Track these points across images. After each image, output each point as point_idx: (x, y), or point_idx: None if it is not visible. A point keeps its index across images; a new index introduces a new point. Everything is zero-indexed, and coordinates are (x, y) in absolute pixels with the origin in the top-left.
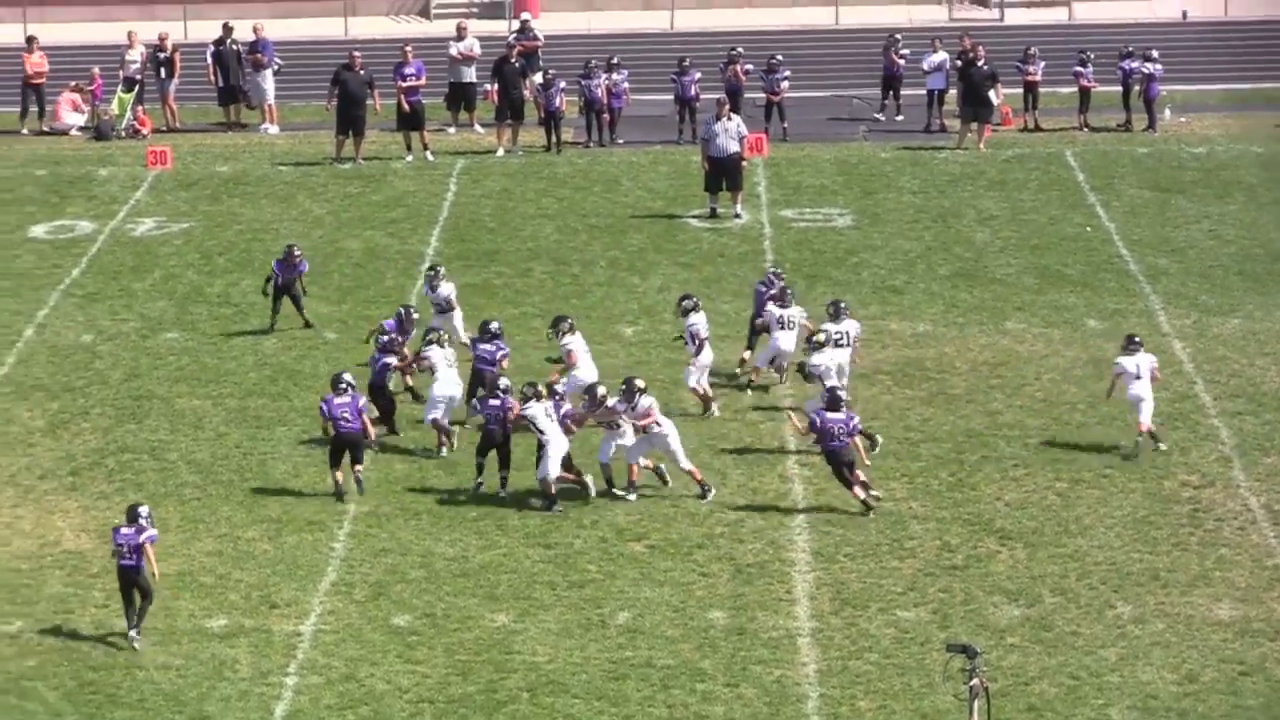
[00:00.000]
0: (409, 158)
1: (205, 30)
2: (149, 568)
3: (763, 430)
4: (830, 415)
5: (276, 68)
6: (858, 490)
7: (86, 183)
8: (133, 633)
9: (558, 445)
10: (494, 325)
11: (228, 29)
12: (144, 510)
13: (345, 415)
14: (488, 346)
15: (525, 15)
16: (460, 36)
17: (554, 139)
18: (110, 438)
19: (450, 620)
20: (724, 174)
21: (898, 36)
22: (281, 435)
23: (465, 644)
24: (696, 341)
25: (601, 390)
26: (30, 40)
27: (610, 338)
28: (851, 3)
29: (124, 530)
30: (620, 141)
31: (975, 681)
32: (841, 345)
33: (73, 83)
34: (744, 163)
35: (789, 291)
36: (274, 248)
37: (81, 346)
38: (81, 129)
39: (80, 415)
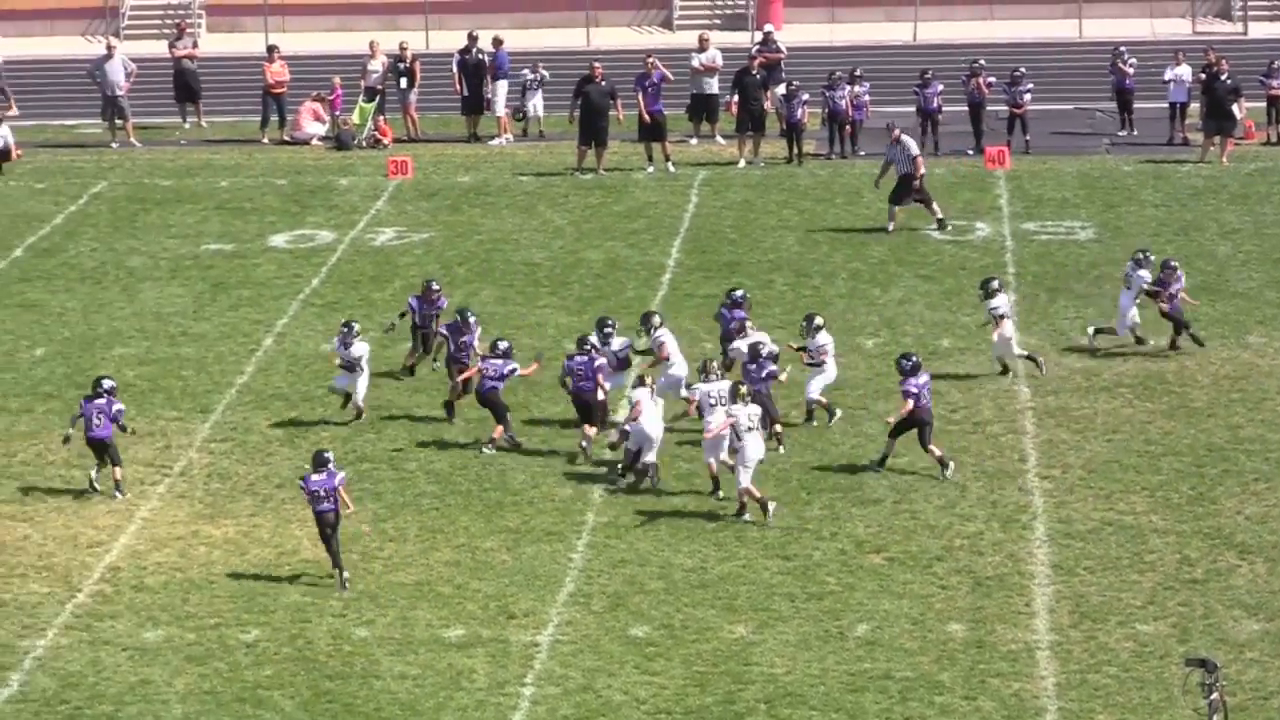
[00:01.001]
0: (650, 169)
1: (446, 40)
2: (344, 508)
3: (1003, 443)
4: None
5: (540, 80)
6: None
7: (327, 192)
8: (345, 575)
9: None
10: (502, 344)
11: (473, 38)
12: (329, 454)
13: None
14: (496, 361)
15: (768, 27)
16: (702, 48)
17: (796, 151)
18: (349, 447)
19: (688, 631)
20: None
21: (1123, 49)
22: (521, 447)
23: (703, 655)
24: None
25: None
26: (271, 50)
27: (851, 350)
28: (1095, 15)
29: (314, 478)
30: (862, 153)
31: (1214, 696)
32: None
33: (314, 92)
34: (915, 181)
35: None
36: (514, 258)
37: (320, 356)
38: (322, 139)
39: (319, 424)
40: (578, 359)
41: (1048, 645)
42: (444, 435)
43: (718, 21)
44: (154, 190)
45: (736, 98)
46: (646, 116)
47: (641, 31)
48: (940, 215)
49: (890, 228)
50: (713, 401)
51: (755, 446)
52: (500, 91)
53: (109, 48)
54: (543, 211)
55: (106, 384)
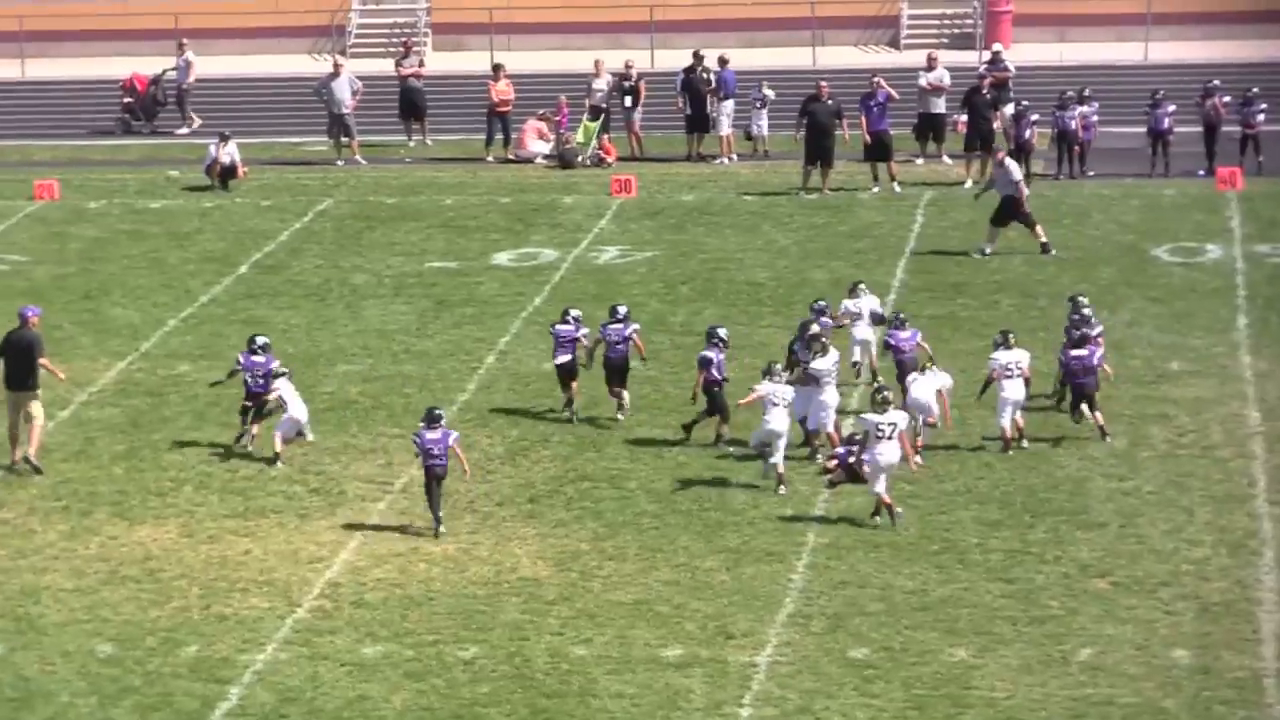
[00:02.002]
0: (876, 188)
1: (672, 59)
2: (461, 465)
3: (1232, 468)
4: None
5: (765, 99)
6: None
7: (551, 210)
8: (441, 529)
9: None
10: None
11: (698, 57)
12: (441, 411)
13: None
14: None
15: (997, 46)
16: (930, 67)
17: (1024, 171)
18: (569, 465)
19: (909, 654)
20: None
21: None
22: (742, 465)
23: (923, 678)
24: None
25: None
26: (496, 68)
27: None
28: None
29: (429, 435)
30: (1090, 174)
31: None
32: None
33: (538, 111)
34: (1019, 204)
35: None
36: (738, 277)
37: (542, 374)
38: (546, 157)
39: (540, 442)
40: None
41: (1275, 673)
42: (664, 454)
43: (945, 40)
44: (379, 208)
45: (965, 117)
46: (868, 137)
47: (868, 50)
48: (1044, 239)
49: (988, 250)
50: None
51: (890, 453)
52: (725, 111)
53: (335, 66)
54: (767, 231)
55: (260, 340)
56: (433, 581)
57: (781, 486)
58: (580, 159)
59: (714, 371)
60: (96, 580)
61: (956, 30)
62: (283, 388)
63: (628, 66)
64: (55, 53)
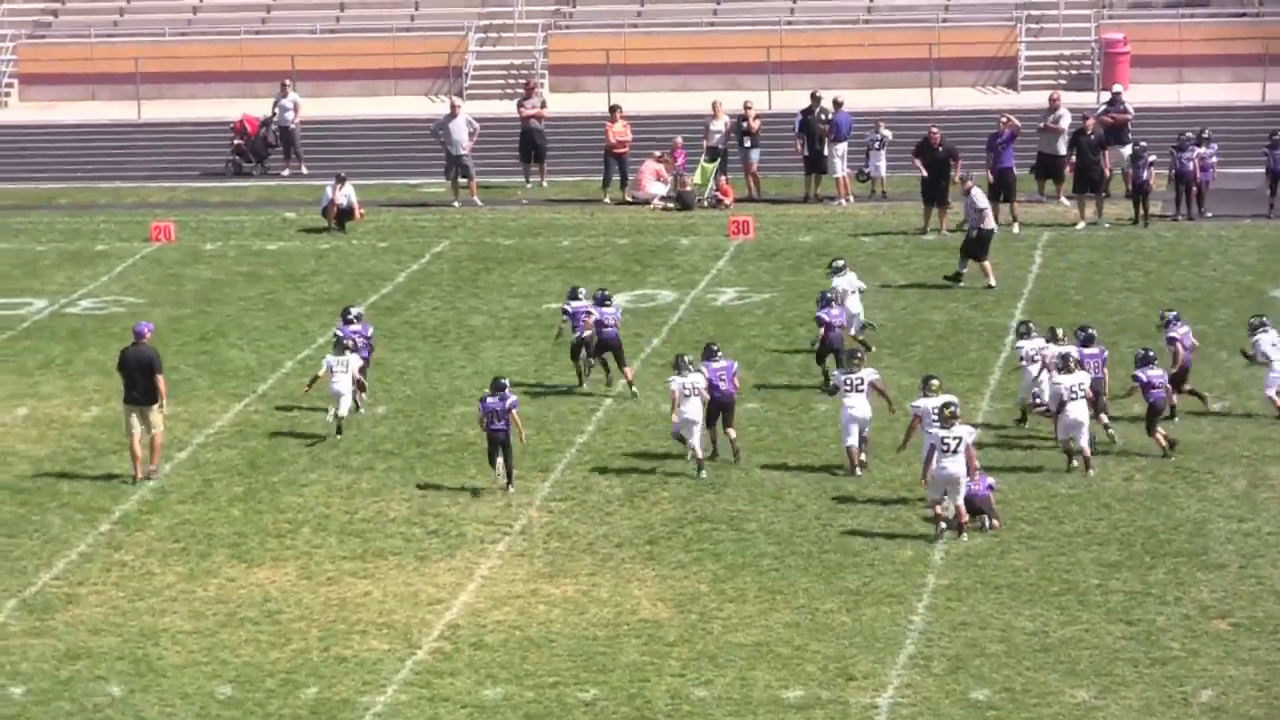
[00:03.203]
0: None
1: (789, 100)
2: (516, 431)
3: None
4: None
5: (883, 140)
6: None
7: (668, 252)
8: (510, 488)
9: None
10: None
11: (815, 98)
12: (506, 381)
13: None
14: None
15: (1116, 87)
16: (1053, 108)
17: (1142, 212)
18: (688, 507)
19: (1029, 695)
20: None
21: None
22: (861, 509)
23: (1044, 719)
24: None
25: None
26: (614, 109)
27: (1198, 414)
28: None
29: (491, 399)
30: (1208, 215)
31: None
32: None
33: (656, 152)
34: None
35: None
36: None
37: (661, 416)
38: (664, 198)
39: (659, 484)
40: (715, 366)
41: None
42: (784, 496)
43: (1062, 81)
44: (496, 249)
45: (1074, 159)
46: (991, 176)
47: (986, 92)
48: (989, 279)
49: (965, 274)
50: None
51: (954, 467)
52: (839, 153)
53: (453, 107)
54: (885, 272)
55: (355, 311)
56: (552, 623)
57: (702, 471)
58: (698, 200)
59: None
60: (215, 622)
61: (1074, 71)
62: (333, 363)
63: (746, 108)
64: (170, 95)
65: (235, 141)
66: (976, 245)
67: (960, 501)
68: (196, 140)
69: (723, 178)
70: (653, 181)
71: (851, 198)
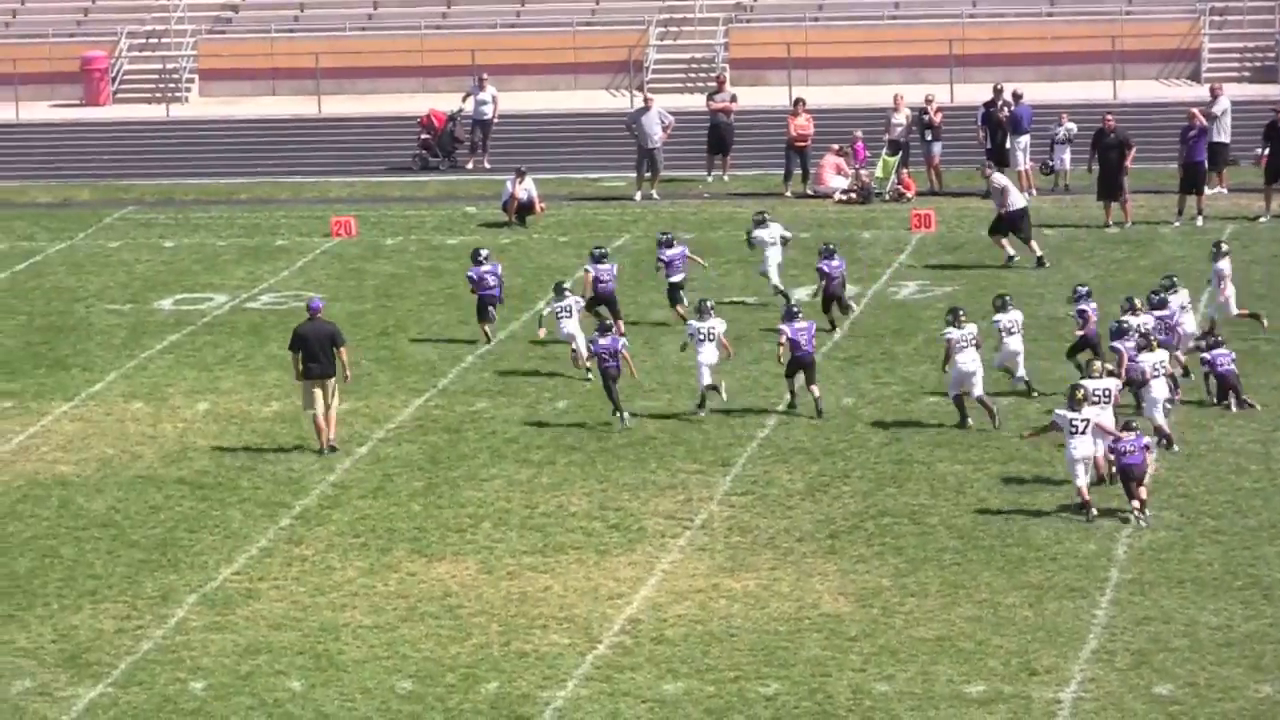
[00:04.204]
0: (1177, 222)
1: (971, 93)
2: (627, 367)
3: None
4: None
5: (1067, 133)
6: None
7: (850, 245)
8: (627, 415)
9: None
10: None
11: (997, 91)
12: (610, 323)
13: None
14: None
15: None
16: (1214, 98)
17: None
18: (870, 501)
19: (1213, 690)
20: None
21: None
22: (1044, 500)
23: (1228, 714)
24: None
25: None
26: (797, 103)
27: None
28: None
29: (601, 341)
30: None
31: None
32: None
33: (836, 145)
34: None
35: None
36: (1039, 312)
37: (843, 410)
38: (845, 192)
39: (840, 478)
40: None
41: None
42: (965, 490)
43: (1246, 74)
44: None
45: (1267, 150)
46: (1181, 169)
47: (1169, 84)
48: (1012, 254)
49: (1015, 256)
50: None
51: (1084, 448)
52: (1020, 145)
53: (646, 100)
54: (1067, 265)
55: (484, 253)
56: (733, 617)
57: (701, 410)
58: (879, 194)
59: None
60: (396, 617)
61: (1258, 63)
62: (558, 308)
63: (927, 101)
64: (350, 90)
65: (422, 136)
66: (1008, 224)
67: (1083, 483)
68: (377, 135)
69: (904, 171)
70: (833, 175)
71: (1034, 190)
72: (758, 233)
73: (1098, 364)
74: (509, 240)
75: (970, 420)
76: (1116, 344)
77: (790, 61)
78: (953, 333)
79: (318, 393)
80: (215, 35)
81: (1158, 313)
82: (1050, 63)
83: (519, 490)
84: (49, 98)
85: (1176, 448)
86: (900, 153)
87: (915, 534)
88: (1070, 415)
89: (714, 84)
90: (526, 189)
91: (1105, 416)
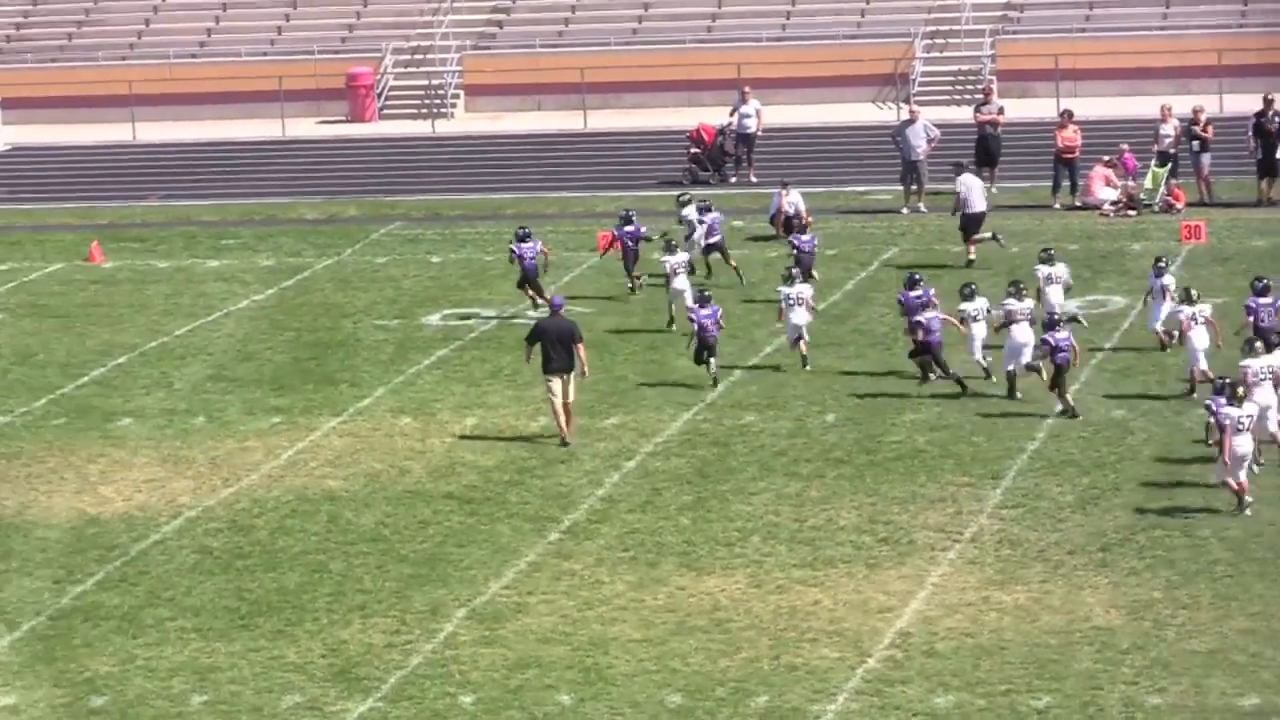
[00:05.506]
0: None
1: (1241, 103)
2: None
3: None
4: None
5: None
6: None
7: (1119, 258)
8: (717, 371)
9: None
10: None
11: (1268, 101)
12: (709, 293)
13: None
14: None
15: None
16: None
17: None
18: (1141, 513)
19: None
20: None
21: None
22: None
23: None
24: None
25: None
26: (1065, 114)
27: None
28: None
29: (702, 312)
30: None
31: None
32: None
33: (1105, 157)
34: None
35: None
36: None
37: (1113, 422)
38: (1114, 204)
39: (1111, 490)
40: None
41: None
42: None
43: None
44: (944, 256)
45: None
46: None
47: None
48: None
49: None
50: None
51: (1245, 445)
52: None
53: (911, 113)
54: None
55: (523, 231)
56: (1004, 630)
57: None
58: (1148, 205)
59: None
60: (665, 631)
61: None
62: (670, 264)
63: (1195, 112)
64: (616, 104)
65: (692, 150)
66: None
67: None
68: (644, 149)
69: (1173, 182)
70: (1103, 187)
71: None
72: (685, 211)
73: (1258, 343)
74: (775, 254)
75: (1020, 393)
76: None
77: (1058, 73)
78: (1012, 304)
79: (557, 386)
80: (480, 50)
81: (1261, 300)
82: None
83: (788, 504)
84: (315, 114)
85: None
86: (1169, 164)
87: (1187, 546)
88: (1235, 413)
89: (981, 96)
90: (793, 201)
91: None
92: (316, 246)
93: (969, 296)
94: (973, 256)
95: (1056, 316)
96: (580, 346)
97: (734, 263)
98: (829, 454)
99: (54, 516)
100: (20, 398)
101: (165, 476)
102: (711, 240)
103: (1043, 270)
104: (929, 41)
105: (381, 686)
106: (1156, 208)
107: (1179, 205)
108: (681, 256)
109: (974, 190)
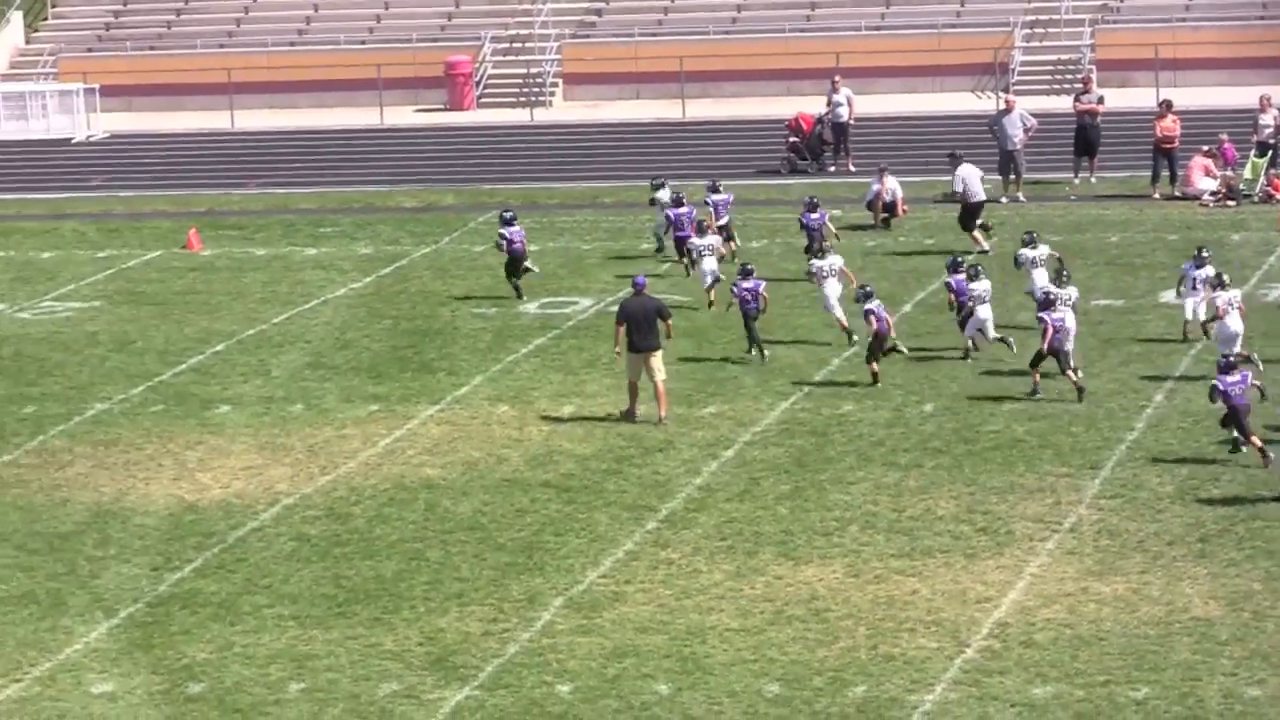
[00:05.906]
0: None
1: None
2: (764, 306)
3: None
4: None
5: None
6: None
7: (1218, 248)
8: (766, 353)
9: None
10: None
11: None
12: (752, 267)
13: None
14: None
15: None
16: None
17: None
18: (1241, 504)
19: None
20: None
21: None
22: None
23: None
24: None
25: None
26: (1164, 104)
27: None
28: None
29: (743, 284)
30: None
31: None
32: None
33: (1204, 147)
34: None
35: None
36: None
37: (1212, 413)
38: (1213, 194)
39: (1210, 481)
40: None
41: None
42: None
43: None
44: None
45: None
46: None
47: None
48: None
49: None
50: None
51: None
52: None
53: (1007, 102)
54: None
55: (508, 214)
56: (1103, 621)
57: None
58: (1248, 195)
59: None
60: (763, 620)
61: None
62: (700, 248)
63: None
64: (715, 93)
65: (790, 139)
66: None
67: None
68: (743, 138)
69: (1273, 172)
70: (1202, 177)
71: None
72: (659, 194)
73: None
74: (874, 243)
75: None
76: None
77: (1157, 62)
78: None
79: (640, 366)
80: (579, 39)
81: None
82: None
83: (886, 493)
84: (413, 102)
85: None
86: (1269, 154)
87: None
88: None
89: (1080, 85)
90: (891, 189)
91: None
92: (414, 235)
93: (975, 277)
94: (986, 248)
95: (1051, 296)
96: (668, 323)
97: (734, 246)
98: (927, 444)
99: (152, 504)
100: (118, 385)
101: (263, 464)
102: (720, 222)
103: (1026, 254)
104: (1028, 31)
105: (479, 675)
106: (1256, 198)
107: (1278, 195)
108: (712, 239)
109: (973, 179)
